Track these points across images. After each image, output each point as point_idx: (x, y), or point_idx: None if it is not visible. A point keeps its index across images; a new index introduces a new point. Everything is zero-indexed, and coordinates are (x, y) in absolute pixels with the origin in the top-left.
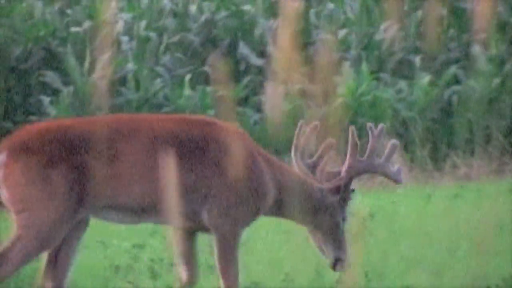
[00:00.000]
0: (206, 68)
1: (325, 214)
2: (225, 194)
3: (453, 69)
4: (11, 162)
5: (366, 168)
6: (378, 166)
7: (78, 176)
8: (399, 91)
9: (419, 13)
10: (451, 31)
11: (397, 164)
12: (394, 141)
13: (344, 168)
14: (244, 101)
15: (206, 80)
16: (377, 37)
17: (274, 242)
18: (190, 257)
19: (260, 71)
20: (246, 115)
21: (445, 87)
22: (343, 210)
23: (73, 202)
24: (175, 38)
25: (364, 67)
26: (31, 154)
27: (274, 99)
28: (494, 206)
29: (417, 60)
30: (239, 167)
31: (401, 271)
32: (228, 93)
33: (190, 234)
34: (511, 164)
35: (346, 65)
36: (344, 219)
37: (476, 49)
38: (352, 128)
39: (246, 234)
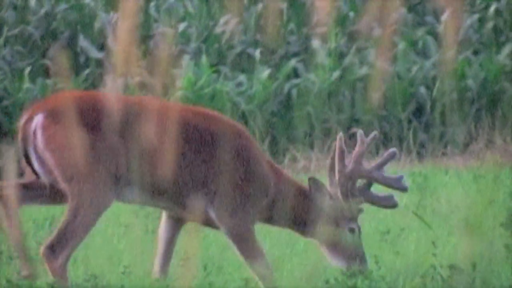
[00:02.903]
0: (46, 60)
1: (324, 223)
2: (232, 193)
3: (292, 62)
4: (51, 124)
5: (355, 173)
6: (368, 172)
7: (115, 147)
8: (239, 85)
9: (259, 6)
10: (291, 25)
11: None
12: (393, 149)
13: (336, 176)
14: None
15: (46, 72)
16: (217, 30)
17: (113, 235)
18: (169, 248)
19: (100, 64)
20: None
21: (285, 81)
22: (347, 219)
23: (114, 169)
24: (15, 31)
25: (204, 60)
26: (72, 117)
27: (113, 91)
28: None
29: (256, 53)
30: (246, 165)
31: (240, 264)
32: (68, 86)
33: (177, 226)
34: (349, 157)
35: (186, 58)
36: (352, 230)
37: (316, 42)
38: (340, 135)
39: None
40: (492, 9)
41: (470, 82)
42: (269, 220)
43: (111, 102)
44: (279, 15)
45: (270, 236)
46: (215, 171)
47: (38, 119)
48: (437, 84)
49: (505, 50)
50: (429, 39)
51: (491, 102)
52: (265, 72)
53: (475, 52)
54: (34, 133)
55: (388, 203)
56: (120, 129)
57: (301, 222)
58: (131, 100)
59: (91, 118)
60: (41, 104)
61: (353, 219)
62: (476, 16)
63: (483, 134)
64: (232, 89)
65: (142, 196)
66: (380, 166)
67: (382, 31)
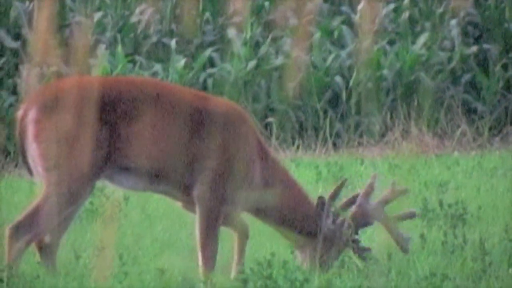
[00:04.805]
0: None
1: (316, 242)
2: (219, 169)
3: (208, 52)
4: (43, 118)
5: (372, 213)
6: (384, 219)
7: (106, 134)
8: (155, 74)
9: None
10: (207, 14)
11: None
12: (412, 210)
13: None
14: None
15: None
16: (133, 19)
17: None
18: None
19: (16, 53)
20: (1, 98)
21: (200, 70)
22: (339, 246)
23: (101, 160)
24: None
25: (120, 49)
26: (64, 110)
27: (29, 81)
28: None
29: (172, 43)
30: (239, 145)
31: (155, 253)
32: None
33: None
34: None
35: (102, 48)
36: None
37: (231, 32)
38: (375, 174)
39: None
40: None
41: (385, 72)
42: (256, 213)
43: (102, 87)
44: (195, 4)
45: (185, 225)
46: (209, 149)
47: (32, 114)
48: (353, 74)
49: (421, 40)
50: (345, 29)
51: (406, 92)
52: (181, 62)
53: (391, 42)
54: (29, 127)
55: (363, 254)
56: (114, 114)
57: (290, 225)
58: (127, 82)
59: (81, 107)
60: (37, 97)
61: (343, 248)
62: (391, 6)
63: (398, 124)
64: None
65: (140, 181)
66: (400, 218)
67: (298, 20)
